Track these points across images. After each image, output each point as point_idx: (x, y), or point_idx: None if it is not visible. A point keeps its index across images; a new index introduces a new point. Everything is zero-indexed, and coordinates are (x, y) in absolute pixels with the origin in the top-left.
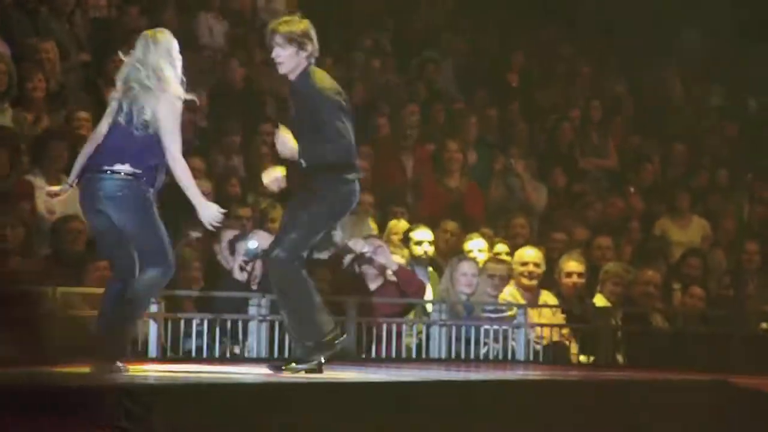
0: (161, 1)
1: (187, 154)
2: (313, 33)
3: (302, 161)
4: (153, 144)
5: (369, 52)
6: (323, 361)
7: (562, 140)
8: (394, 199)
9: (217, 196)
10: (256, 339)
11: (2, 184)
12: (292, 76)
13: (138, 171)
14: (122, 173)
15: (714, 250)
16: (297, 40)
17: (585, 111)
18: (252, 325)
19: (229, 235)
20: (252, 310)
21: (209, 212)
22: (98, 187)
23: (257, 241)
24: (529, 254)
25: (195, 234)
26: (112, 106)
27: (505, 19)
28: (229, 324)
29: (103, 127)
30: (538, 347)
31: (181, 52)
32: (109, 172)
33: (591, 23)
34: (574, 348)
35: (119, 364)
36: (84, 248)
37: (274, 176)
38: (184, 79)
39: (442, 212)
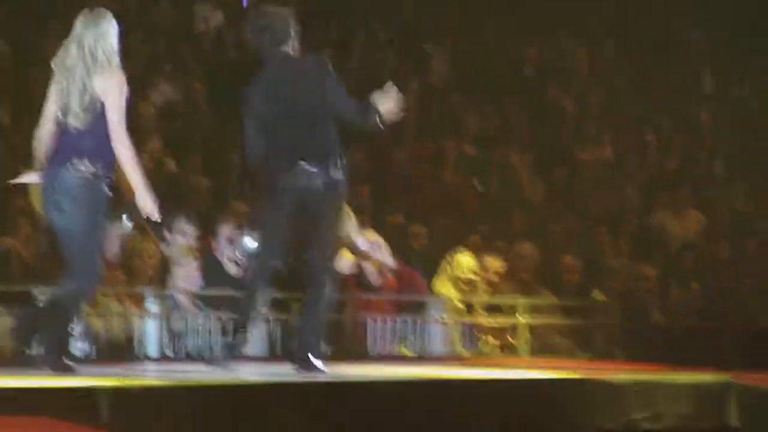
0: None
1: (186, 148)
2: (295, 27)
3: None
4: (105, 135)
5: (366, 44)
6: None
7: (560, 132)
8: (390, 193)
9: (214, 190)
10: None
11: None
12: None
13: (98, 169)
14: (83, 168)
15: (711, 243)
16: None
17: (582, 101)
18: None
19: (226, 230)
20: None
21: (150, 207)
22: (58, 179)
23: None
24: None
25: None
26: (54, 96)
27: (503, 11)
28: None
29: (49, 123)
30: (536, 344)
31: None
32: (69, 165)
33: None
34: (571, 344)
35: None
36: None
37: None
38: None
39: (438, 207)
